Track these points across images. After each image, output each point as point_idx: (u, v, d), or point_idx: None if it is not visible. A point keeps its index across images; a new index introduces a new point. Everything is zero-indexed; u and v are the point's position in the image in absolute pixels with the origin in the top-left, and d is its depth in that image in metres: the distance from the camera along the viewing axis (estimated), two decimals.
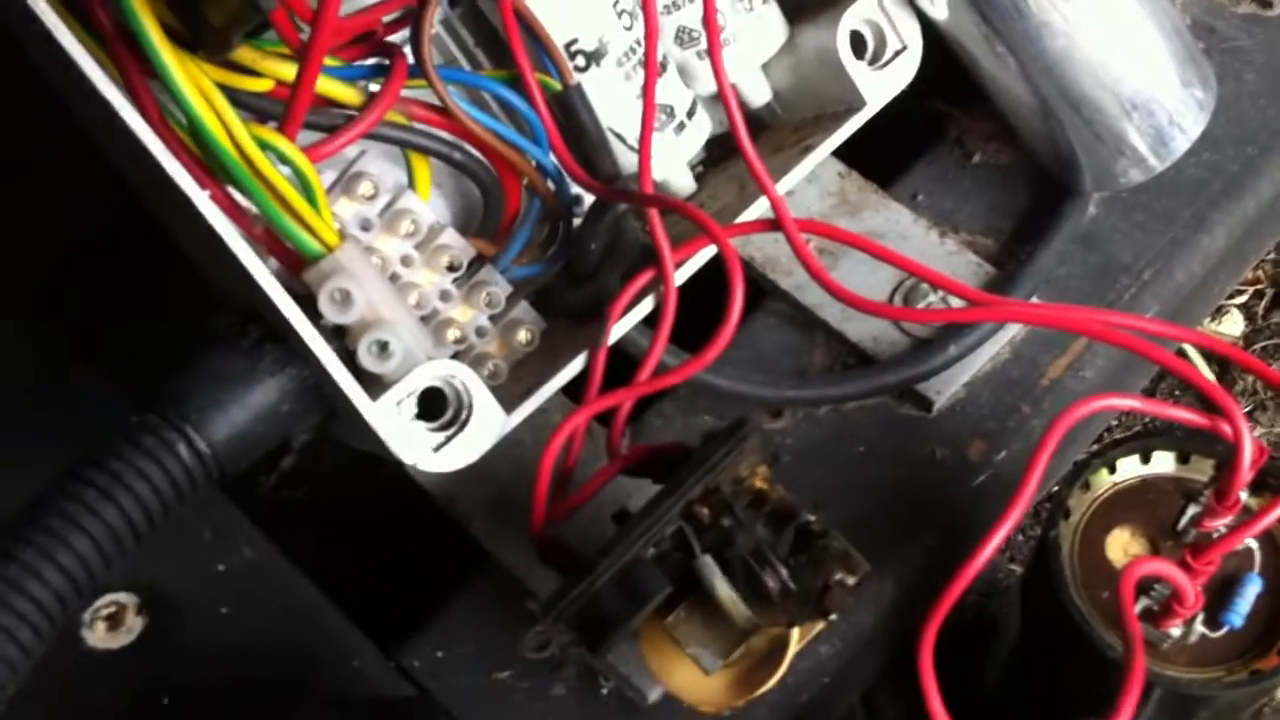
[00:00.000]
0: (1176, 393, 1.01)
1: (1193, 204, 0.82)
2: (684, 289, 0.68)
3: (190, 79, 0.54)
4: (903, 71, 0.73)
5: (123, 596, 0.70)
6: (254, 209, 0.58)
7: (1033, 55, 0.71)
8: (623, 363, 0.68)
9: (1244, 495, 0.58)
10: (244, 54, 0.57)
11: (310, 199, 0.58)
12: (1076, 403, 0.53)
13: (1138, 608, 0.59)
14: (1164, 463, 0.64)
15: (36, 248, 0.84)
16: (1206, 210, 0.82)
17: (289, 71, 0.58)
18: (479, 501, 0.73)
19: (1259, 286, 1.07)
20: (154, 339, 0.82)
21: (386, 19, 0.63)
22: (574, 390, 0.67)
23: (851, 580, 0.57)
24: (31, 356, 0.80)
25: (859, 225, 0.82)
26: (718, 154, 0.78)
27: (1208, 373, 0.99)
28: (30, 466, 0.70)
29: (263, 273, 0.56)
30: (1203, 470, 0.64)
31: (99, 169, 0.64)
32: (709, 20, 0.66)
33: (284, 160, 0.57)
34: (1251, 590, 0.61)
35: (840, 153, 0.76)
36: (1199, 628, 0.60)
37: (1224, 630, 0.61)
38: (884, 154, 0.84)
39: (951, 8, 0.71)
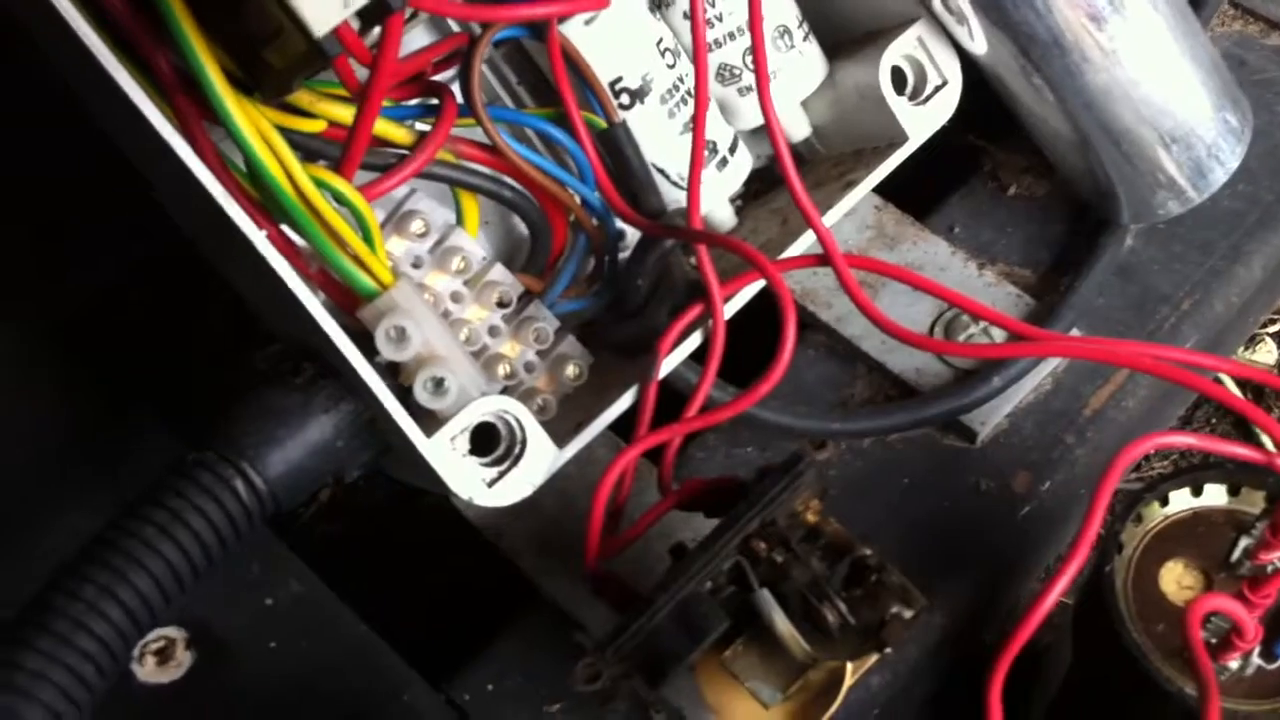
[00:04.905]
0: (1213, 420, 1.00)
1: (1230, 235, 0.82)
2: (726, 323, 0.68)
3: (250, 121, 0.54)
4: (944, 106, 0.73)
5: (172, 631, 0.70)
6: (309, 248, 0.58)
7: (1072, 90, 0.71)
8: (667, 396, 0.68)
9: None
10: (300, 97, 0.58)
11: (367, 238, 0.58)
12: (1136, 440, 0.53)
13: None
14: (1215, 495, 0.64)
15: (77, 285, 0.84)
16: (1243, 241, 0.82)
17: (343, 113, 0.59)
18: (526, 535, 0.73)
19: None
20: (196, 373, 0.83)
21: (436, 59, 0.64)
22: (616, 423, 0.67)
23: (909, 614, 0.57)
24: (78, 394, 0.80)
25: (897, 258, 0.82)
26: (757, 188, 0.78)
27: None
28: (83, 502, 0.71)
29: (321, 313, 0.56)
30: (1254, 502, 0.64)
31: (138, 201, 0.65)
32: (758, 55, 0.66)
33: (341, 200, 0.58)
34: None
35: (877, 186, 0.76)
36: (1255, 660, 0.59)
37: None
38: (919, 187, 0.84)
39: (990, 43, 0.71)
